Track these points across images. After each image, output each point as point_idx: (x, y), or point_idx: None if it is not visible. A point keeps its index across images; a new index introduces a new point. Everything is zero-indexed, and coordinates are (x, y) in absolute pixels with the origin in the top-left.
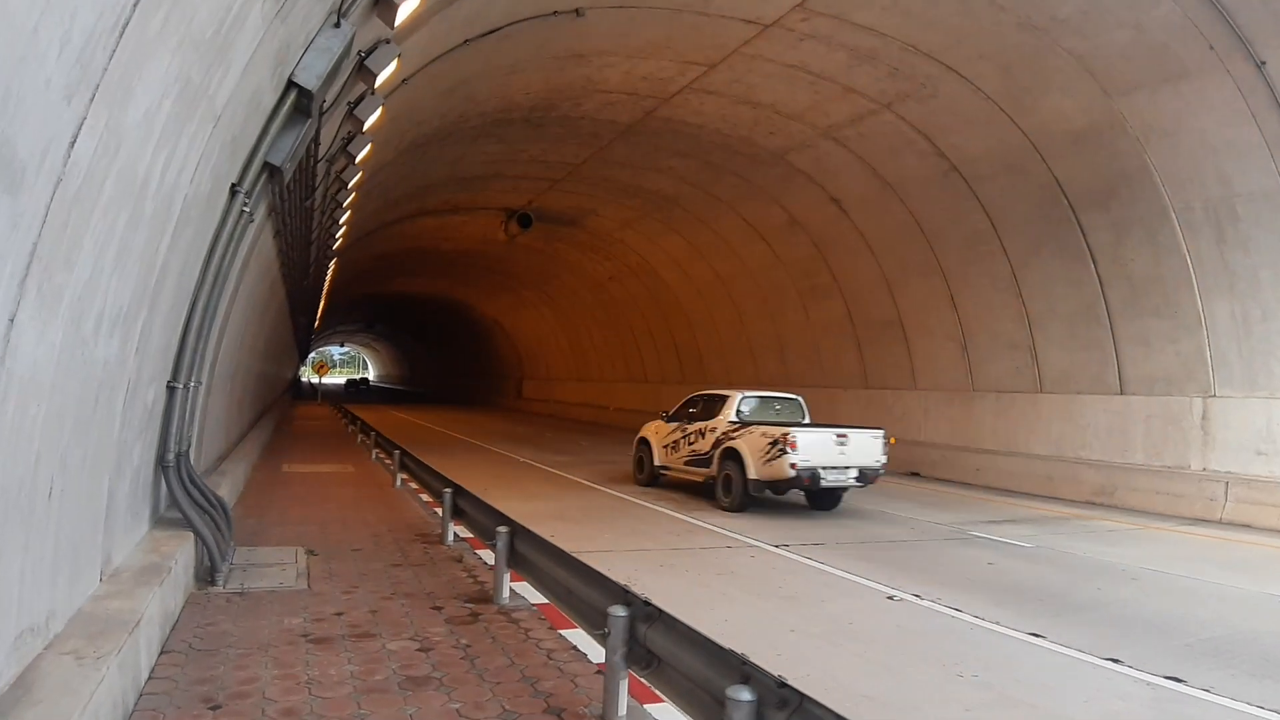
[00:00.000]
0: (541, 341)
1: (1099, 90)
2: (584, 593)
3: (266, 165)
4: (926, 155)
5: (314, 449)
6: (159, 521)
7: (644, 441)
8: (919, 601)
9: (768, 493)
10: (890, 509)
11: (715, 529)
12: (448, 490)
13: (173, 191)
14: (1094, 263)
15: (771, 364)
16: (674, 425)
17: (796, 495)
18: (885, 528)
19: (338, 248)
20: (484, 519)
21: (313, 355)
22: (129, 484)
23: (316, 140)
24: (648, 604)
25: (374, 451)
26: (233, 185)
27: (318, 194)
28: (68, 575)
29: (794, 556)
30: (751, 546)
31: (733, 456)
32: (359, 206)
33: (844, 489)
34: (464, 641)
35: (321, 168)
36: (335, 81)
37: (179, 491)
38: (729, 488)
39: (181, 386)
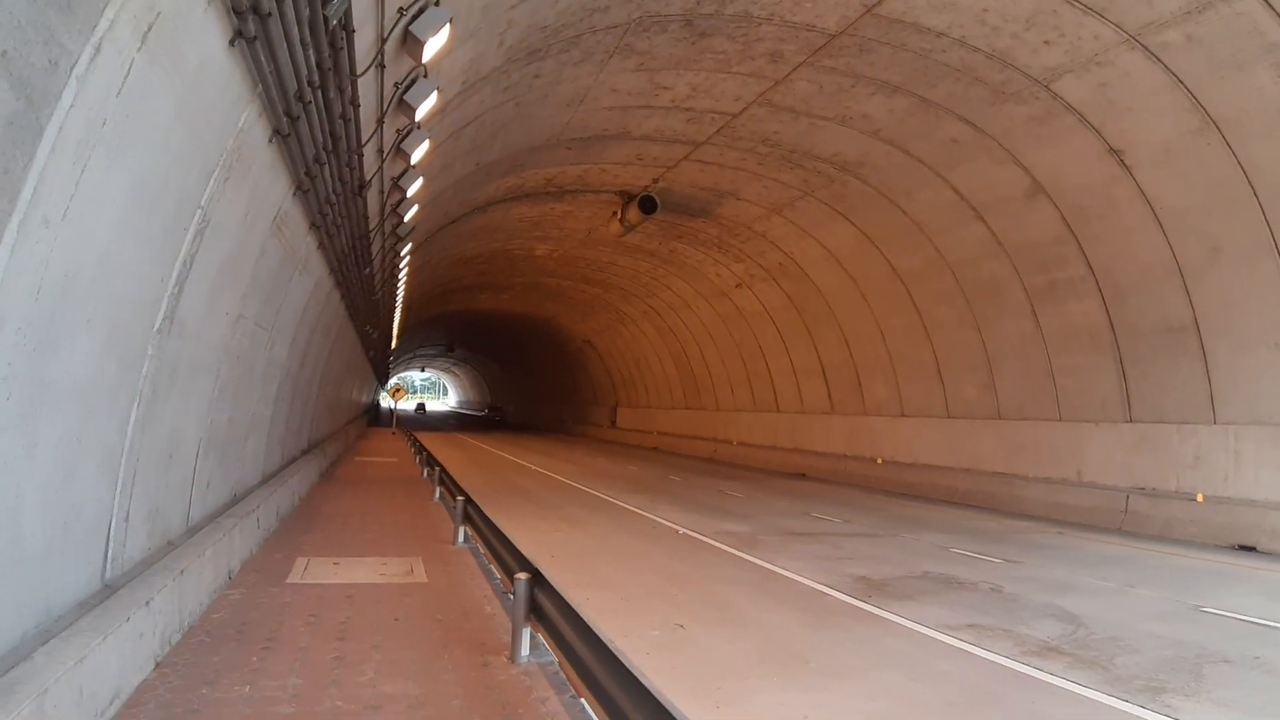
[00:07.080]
0: (641, 364)
1: None
2: None
3: None
4: None
5: (367, 514)
6: None
7: None
8: None
9: None
10: None
11: None
12: None
13: None
14: None
15: (970, 389)
16: None
17: None
18: None
19: (412, 219)
20: None
21: (393, 380)
22: None
23: None
24: None
25: (461, 529)
26: None
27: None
28: None
29: None
30: None
31: None
32: (443, 147)
33: None
34: None
35: None
36: None
37: None
38: None
39: None
